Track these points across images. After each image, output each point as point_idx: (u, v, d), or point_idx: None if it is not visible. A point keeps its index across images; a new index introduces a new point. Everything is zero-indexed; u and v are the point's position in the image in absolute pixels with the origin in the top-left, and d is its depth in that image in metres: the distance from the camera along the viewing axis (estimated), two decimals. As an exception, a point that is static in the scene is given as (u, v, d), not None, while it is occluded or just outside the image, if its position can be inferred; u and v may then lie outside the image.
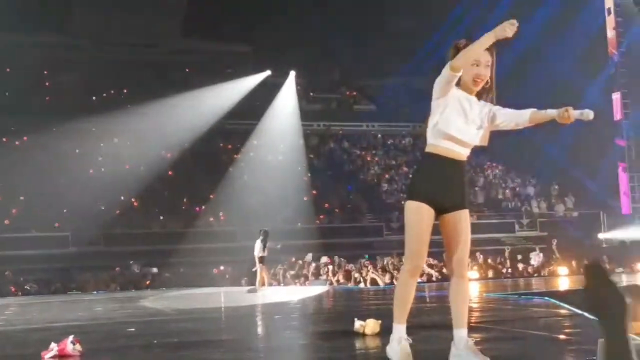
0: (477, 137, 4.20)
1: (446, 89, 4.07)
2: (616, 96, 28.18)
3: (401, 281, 4.24)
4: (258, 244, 16.45)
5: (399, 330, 4.20)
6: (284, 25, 30.74)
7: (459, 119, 4.11)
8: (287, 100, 32.51)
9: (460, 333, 4.22)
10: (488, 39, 3.98)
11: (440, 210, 4.17)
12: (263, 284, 16.28)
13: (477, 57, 4.08)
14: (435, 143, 4.14)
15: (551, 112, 4.09)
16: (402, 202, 4.29)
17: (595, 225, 26.92)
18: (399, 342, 4.18)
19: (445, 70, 4.00)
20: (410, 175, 4.28)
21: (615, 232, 26.04)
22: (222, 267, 22.78)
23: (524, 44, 28.03)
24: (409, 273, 4.20)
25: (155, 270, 22.60)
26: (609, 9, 28.11)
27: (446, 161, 4.14)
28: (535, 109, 4.19)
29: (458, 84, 4.14)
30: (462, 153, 4.19)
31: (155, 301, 12.85)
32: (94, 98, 30.20)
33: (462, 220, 4.21)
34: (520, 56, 28.04)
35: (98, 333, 7.24)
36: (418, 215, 4.12)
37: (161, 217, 26.25)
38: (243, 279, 20.00)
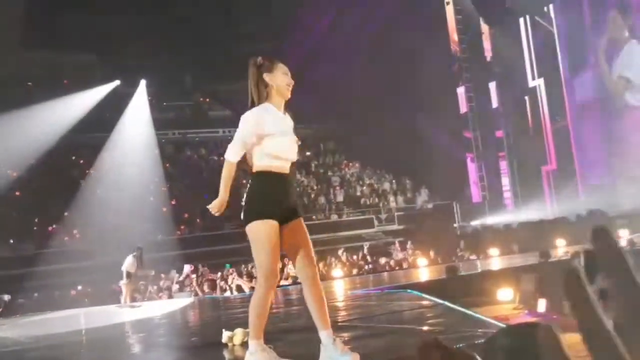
0: (295, 153, 4.42)
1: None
2: (461, 90, 29.58)
3: (259, 299, 4.21)
4: (129, 259, 16.10)
5: (259, 343, 4.22)
6: (131, 32, 29.96)
7: (285, 139, 4.30)
8: (138, 110, 31.72)
9: (327, 334, 4.25)
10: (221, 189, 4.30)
11: (281, 223, 4.26)
12: (133, 300, 16.06)
13: (286, 69, 4.39)
14: (268, 163, 4.26)
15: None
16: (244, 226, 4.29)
17: (449, 215, 28.06)
18: (263, 349, 4.21)
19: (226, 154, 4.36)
20: (247, 198, 4.29)
21: (468, 221, 27.28)
22: (80, 288, 21.87)
23: (366, 43, 28.87)
24: (266, 291, 4.20)
25: (7, 297, 21.31)
26: (448, 3, 29.49)
27: (279, 177, 4.28)
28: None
29: (267, 96, 4.33)
30: (288, 167, 4.37)
31: (9, 330, 12.07)
32: None
33: (302, 226, 4.37)
34: (364, 55, 28.82)
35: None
36: (268, 233, 4.18)
37: (10, 241, 24.86)
38: (121, 296, 19.20)
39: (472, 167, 29.38)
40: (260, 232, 4.18)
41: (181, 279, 19.04)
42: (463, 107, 29.62)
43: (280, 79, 4.35)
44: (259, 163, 4.27)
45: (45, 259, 23.19)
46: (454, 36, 29.71)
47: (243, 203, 4.31)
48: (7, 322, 14.43)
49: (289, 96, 4.41)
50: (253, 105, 4.34)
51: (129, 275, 16.03)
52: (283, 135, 4.31)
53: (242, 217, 4.28)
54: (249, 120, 4.28)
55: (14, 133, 26.54)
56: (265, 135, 4.24)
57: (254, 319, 4.22)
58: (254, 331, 4.23)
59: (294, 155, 4.38)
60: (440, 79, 29.34)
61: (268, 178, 4.26)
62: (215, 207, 4.29)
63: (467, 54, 29.57)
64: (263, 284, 4.22)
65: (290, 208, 4.33)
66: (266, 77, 4.33)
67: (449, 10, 29.76)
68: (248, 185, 4.30)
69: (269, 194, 4.25)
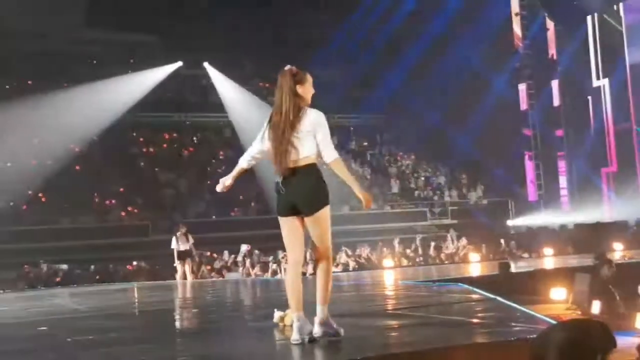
0: None
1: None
2: (522, 87, 29.12)
3: (329, 271, 4.96)
4: (173, 239, 16.39)
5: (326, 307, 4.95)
6: (193, 14, 30.30)
7: None
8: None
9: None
10: (354, 185, 4.95)
11: None
12: (184, 279, 16.18)
13: (311, 80, 5.11)
14: (318, 161, 4.93)
15: None
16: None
17: (503, 213, 27.77)
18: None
19: (333, 155, 4.87)
20: (316, 187, 4.90)
21: (522, 219, 26.95)
22: (134, 263, 22.35)
23: (431, 35, 28.63)
24: (331, 264, 4.99)
25: (65, 267, 21.95)
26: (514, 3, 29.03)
27: None
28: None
29: (300, 100, 4.97)
30: None
31: (67, 299, 12.46)
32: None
33: None
34: (428, 48, 28.59)
35: (6, 333, 6.97)
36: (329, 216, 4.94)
37: (70, 213, 25.53)
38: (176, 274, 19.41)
39: (529, 165, 28.94)
40: (328, 216, 4.89)
41: (240, 258, 19.26)
42: (523, 104, 29.16)
43: (308, 89, 5.05)
44: (316, 157, 4.89)
45: (103, 232, 23.80)
46: (518, 31, 29.24)
47: (309, 192, 4.84)
48: (65, 291, 14.90)
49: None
50: (297, 109, 4.92)
51: (179, 255, 16.35)
52: None
53: (312, 204, 4.82)
54: (325, 121, 5.00)
55: (78, 109, 27.15)
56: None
57: (327, 287, 4.92)
58: (326, 299, 4.91)
59: None
60: (502, 75, 28.98)
61: (320, 170, 4.91)
62: (370, 201, 4.98)
63: (531, 50, 29.08)
64: (329, 258, 4.97)
65: None
66: (299, 88, 4.97)
67: (514, 5, 29.27)
68: (310, 176, 4.82)
69: (326, 183, 4.91)
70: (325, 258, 4.93)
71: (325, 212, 4.84)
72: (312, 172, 4.83)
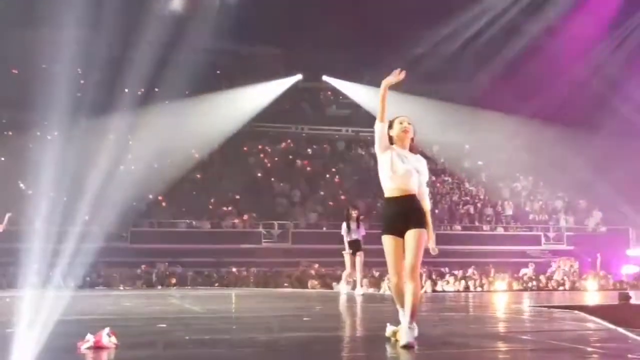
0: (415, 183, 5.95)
1: (383, 144, 6.00)
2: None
3: (412, 291, 5.60)
4: (344, 226, 14.14)
5: None
6: (314, 28, 30.76)
7: (391, 171, 6.03)
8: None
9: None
10: (382, 87, 5.95)
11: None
12: (352, 274, 14.21)
13: (401, 119, 6.04)
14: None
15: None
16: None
17: (623, 241, 26.67)
18: None
19: (376, 126, 5.93)
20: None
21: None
22: (246, 269, 22.89)
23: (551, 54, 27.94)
24: (412, 284, 5.68)
25: (180, 269, 22.76)
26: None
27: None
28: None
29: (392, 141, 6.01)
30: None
31: (182, 299, 12.94)
32: (124, 95, 30.28)
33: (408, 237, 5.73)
34: (551, 58, 27.89)
35: (129, 327, 7.31)
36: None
37: (187, 217, 26.42)
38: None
39: (654, 194, 27.59)
40: (384, 243, 5.76)
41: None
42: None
43: (396, 129, 6.01)
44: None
45: (217, 237, 24.48)
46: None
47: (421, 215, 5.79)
48: (180, 292, 15.47)
49: (405, 138, 6.01)
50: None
51: (350, 244, 13.92)
52: (396, 164, 5.99)
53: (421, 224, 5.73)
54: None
55: (201, 117, 28.10)
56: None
57: (419, 305, 5.69)
58: (413, 313, 5.52)
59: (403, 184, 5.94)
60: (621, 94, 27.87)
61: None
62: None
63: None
64: (411, 279, 5.63)
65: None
66: (390, 131, 6.03)
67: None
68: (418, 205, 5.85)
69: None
70: (418, 277, 5.76)
71: (383, 239, 5.80)
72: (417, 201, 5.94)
